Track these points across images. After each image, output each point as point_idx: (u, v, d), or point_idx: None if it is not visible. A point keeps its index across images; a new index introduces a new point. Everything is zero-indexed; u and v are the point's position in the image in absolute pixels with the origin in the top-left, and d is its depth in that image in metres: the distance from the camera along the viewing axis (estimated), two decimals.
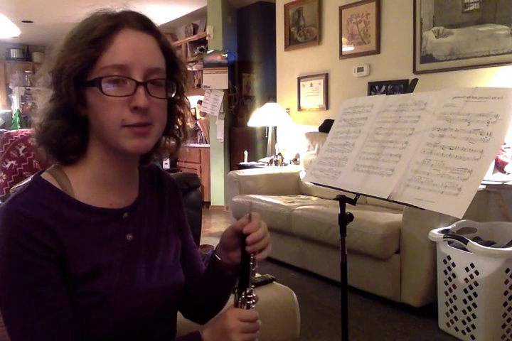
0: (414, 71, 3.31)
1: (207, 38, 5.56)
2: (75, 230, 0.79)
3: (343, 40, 3.86)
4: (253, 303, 0.85)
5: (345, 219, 1.44)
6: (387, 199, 1.25)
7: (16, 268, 0.73)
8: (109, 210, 0.84)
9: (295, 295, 1.67)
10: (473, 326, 2.13)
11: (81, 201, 0.81)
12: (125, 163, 0.85)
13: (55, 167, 0.84)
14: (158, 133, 0.82)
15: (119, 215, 0.84)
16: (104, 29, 0.76)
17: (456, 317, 2.22)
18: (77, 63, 0.76)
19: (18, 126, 7.43)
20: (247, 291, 0.84)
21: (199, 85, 6.13)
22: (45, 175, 0.82)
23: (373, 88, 3.63)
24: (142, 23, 0.80)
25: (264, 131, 4.56)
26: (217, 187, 5.46)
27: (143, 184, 0.92)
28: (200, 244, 2.61)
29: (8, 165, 2.91)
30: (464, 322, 2.18)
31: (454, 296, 2.22)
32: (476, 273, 2.08)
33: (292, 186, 3.90)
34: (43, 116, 0.81)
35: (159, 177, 0.98)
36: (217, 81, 5.27)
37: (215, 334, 0.81)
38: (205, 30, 5.74)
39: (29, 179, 0.82)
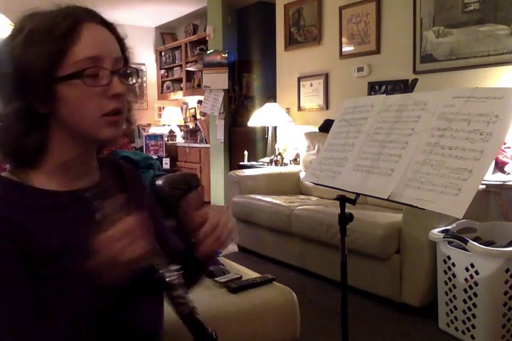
0: (414, 71, 3.31)
1: (207, 38, 5.55)
2: (39, 214, 0.80)
3: (343, 40, 3.86)
4: None
5: (345, 219, 1.44)
6: (387, 199, 1.25)
7: None
8: (72, 192, 0.85)
9: (295, 295, 1.67)
10: (473, 326, 2.13)
11: (42, 188, 0.83)
12: (88, 153, 0.88)
13: (13, 170, 0.85)
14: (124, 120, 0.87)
15: (82, 195, 0.85)
16: (69, 24, 0.78)
17: (456, 317, 2.22)
18: (46, 59, 0.77)
19: None
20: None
21: (199, 85, 6.14)
22: (4, 174, 0.84)
23: (373, 88, 3.63)
24: (99, 17, 0.84)
25: (264, 131, 4.56)
26: (217, 187, 5.46)
27: (103, 172, 0.94)
28: None
29: (8, 165, 2.92)
30: (463, 322, 2.18)
31: (454, 296, 2.22)
32: (476, 273, 2.08)
33: (292, 186, 3.90)
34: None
35: (118, 166, 1.00)
36: (217, 81, 5.27)
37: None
38: (205, 30, 5.74)
39: None
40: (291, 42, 4.41)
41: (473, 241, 2.14)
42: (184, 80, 6.49)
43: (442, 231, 2.29)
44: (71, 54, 0.78)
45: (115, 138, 0.84)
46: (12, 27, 0.83)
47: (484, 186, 2.49)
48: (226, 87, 5.27)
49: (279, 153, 4.26)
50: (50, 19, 0.79)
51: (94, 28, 0.81)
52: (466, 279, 2.13)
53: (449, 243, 2.23)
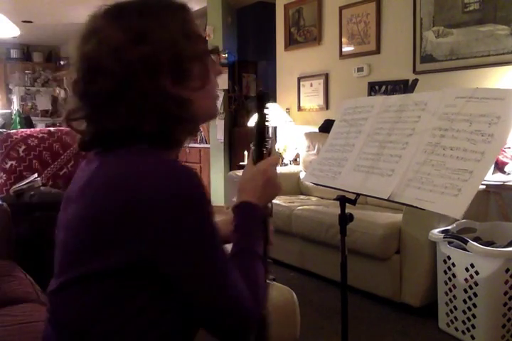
0: (414, 71, 3.31)
1: (207, 38, 5.55)
2: None
3: (343, 40, 3.86)
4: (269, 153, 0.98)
5: (345, 219, 1.44)
6: (388, 200, 1.25)
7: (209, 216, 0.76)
8: None
9: (295, 295, 1.67)
10: (473, 326, 2.13)
11: None
12: None
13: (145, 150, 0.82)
14: None
15: None
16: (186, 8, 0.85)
17: (456, 317, 2.22)
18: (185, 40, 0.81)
19: (18, 126, 7.43)
20: (266, 143, 0.96)
21: None
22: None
23: (373, 88, 3.63)
24: None
25: None
26: (217, 187, 5.46)
27: None
28: None
29: (8, 165, 2.91)
30: (463, 322, 2.18)
31: (454, 296, 2.22)
32: (476, 273, 2.09)
33: (292, 186, 3.90)
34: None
35: None
36: (217, 81, 5.27)
37: (260, 189, 0.91)
38: (205, 30, 5.74)
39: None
40: (291, 42, 4.41)
41: (473, 241, 2.14)
42: None
43: (442, 232, 2.29)
44: (196, 33, 0.82)
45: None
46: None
47: (484, 186, 2.49)
48: (226, 87, 5.27)
49: (279, 153, 4.26)
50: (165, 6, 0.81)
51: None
52: (466, 279, 2.14)
53: (449, 243, 2.23)
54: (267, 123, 0.96)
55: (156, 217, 0.70)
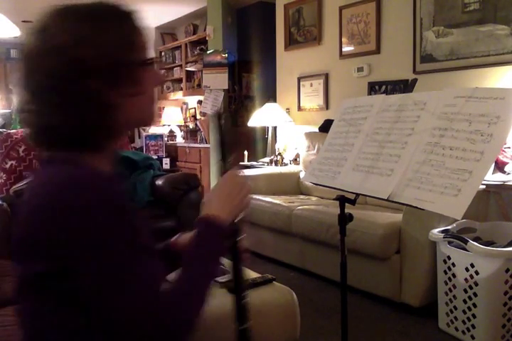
0: (414, 71, 3.31)
1: (207, 38, 5.56)
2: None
3: (343, 40, 3.86)
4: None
5: (345, 219, 1.44)
6: (387, 200, 1.25)
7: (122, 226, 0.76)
8: None
9: (295, 295, 1.67)
10: (473, 326, 2.13)
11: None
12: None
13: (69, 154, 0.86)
14: None
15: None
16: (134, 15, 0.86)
17: (456, 317, 2.22)
18: (126, 45, 0.84)
19: (18, 126, 7.44)
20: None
21: (199, 85, 6.14)
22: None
23: (373, 88, 3.63)
24: None
25: (264, 131, 4.56)
26: None
27: None
28: None
29: (8, 165, 2.91)
30: (463, 322, 2.18)
31: (454, 296, 2.22)
32: (476, 273, 2.08)
33: (292, 186, 3.90)
34: None
35: None
36: (217, 81, 5.27)
37: (221, 204, 0.90)
38: (205, 30, 5.74)
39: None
40: (291, 42, 4.41)
41: (473, 241, 2.14)
42: (184, 80, 6.49)
43: (442, 231, 2.29)
44: (138, 42, 0.84)
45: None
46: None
47: (484, 186, 2.49)
48: (226, 87, 5.27)
49: (279, 153, 4.26)
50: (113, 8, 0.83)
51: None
52: (466, 279, 2.13)
53: (449, 243, 2.23)
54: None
55: (57, 231, 0.72)
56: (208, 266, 0.85)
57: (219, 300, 1.56)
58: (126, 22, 0.83)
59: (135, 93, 0.82)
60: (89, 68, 0.77)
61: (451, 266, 2.22)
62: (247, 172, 3.89)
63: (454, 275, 2.21)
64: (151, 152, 6.14)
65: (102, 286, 0.72)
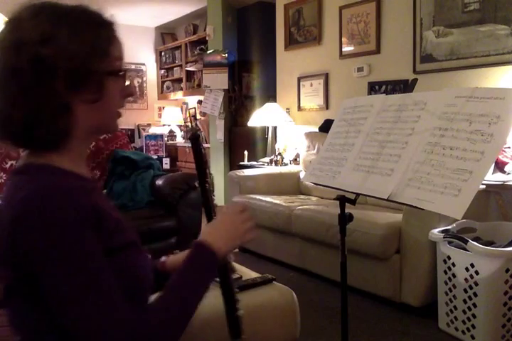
0: (414, 71, 3.31)
1: (207, 38, 5.55)
2: (95, 196, 0.84)
3: (343, 40, 3.86)
4: None
5: (345, 219, 1.44)
6: (387, 200, 1.25)
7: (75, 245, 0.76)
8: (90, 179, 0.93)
9: (295, 295, 1.67)
10: (473, 326, 2.13)
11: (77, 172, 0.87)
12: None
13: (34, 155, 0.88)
14: None
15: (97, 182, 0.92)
16: (109, 24, 0.87)
17: (456, 317, 2.22)
18: (96, 52, 0.84)
19: None
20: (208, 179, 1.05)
21: (199, 85, 6.13)
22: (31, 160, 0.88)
23: (373, 88, 3.63)
24: None
25: (264, 131, 4.56)
26: (217, 187, 5.46)
27: None
28: None
29: (8, 165, 2.91)
30: (463, 322, 2.18)
31: (454, 296, 2.22)
32: (476, 273, 2.08)
33: (292, 186, 3.90)
34: None
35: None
36: (217, 81, 5.27)
37: (220, 233, 0.92)
38: (205, 30, 5.74)
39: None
40: (291, 42, 4.41)
41: (473, 241, 2.14)
42: (184, 80, 6.49)
43: (442, 231, 2.29)
44: (111, 52, 0.84)
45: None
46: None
47: (484, 186, 2.49)
48: (226, 87, 5.27)
49: (279, 153, 4.26)
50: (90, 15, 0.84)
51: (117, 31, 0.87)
52: (466, 279, 2.13)
53: (449, 243, 2.23)
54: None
55: (23, 241, 0.74)
56: (197, 288, 0.86)
57: (220, 300, 1.57)
58: (103, 31, 0.83)
59: (95, 100, 0.82)
60: (50, 68, 0.77)
61: (451, 266, 2.22)
62: (247, 172, 3.89)
63: (454, 275, 2.21)
64: (151, 152, 6.14)
65: (61, 298, 0.74)
